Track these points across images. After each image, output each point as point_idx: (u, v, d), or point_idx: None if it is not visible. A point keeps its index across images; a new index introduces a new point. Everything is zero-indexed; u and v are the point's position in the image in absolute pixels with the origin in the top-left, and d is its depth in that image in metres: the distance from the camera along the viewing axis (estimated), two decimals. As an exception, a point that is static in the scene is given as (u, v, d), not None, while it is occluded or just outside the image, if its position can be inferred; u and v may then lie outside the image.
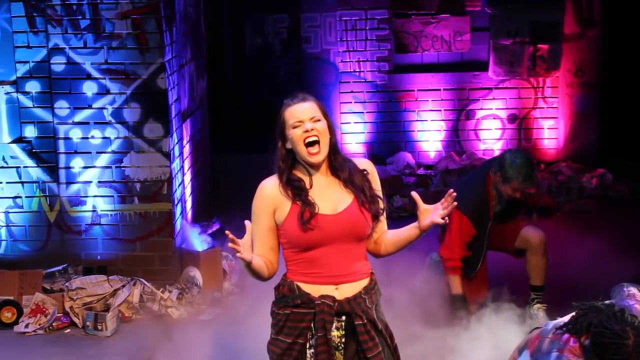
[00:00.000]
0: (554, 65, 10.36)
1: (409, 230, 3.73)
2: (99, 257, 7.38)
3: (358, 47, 10.43)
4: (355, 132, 10.57)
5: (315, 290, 3.57)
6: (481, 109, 10.54)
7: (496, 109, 10.52)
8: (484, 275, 6.50)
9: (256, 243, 3.63)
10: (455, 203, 3.62)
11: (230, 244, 3.46)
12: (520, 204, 6.43)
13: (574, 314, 3.92)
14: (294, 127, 3.60)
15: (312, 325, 3.55)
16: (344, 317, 3.57)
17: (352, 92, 10.51)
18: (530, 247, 6.43)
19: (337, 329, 3.57)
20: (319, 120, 3.61)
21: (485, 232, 6.31)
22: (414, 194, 3.68)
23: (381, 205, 3.71)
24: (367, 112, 10.57)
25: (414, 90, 10.54)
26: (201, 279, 7.34)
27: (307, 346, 3.56)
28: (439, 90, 10.52)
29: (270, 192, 3.63)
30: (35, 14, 7.12)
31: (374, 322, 3.61)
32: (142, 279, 7.21)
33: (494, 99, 10.51)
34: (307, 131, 3.58)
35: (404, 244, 3.76)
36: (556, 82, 10.52)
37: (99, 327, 6.66)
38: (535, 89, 10.55)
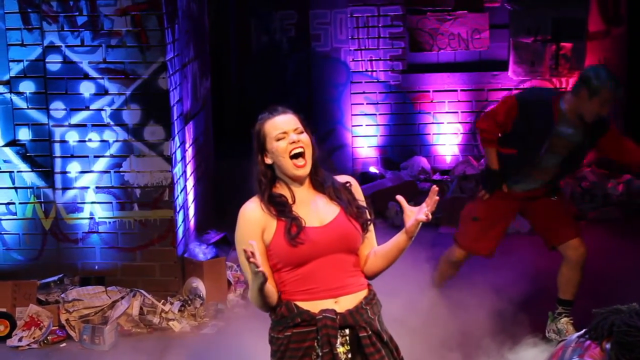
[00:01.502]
0: (578, 64, 10.32)
1: (396, 238, 3.73)
2: (96, 267, 7.39)
3: (370, 46, 10.44)
4: (367, 135, 10.56)
5: (314, 306, 3.57)
6: (500, 110, 10.51)
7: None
8: (501, 231, 6.56)
9: (249, 272, 3.55)
10: (438, 198, 3.61)
11: (251, 259, 3.38)
12: (594, 136, 6.29)
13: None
14: (278, 140, 3.61)
15: (315, 343, 3.54)
16: (347, 331, 3.56)
17: (364, 92, 10.51)
18: (569, 260, 6.39)
19: (342, 344, 3.56)
20: (302, 132, 3.63)
21: (536, 149, 6.27)
22: (399, 197, 3.69)
23: (368, 215, 3.72)
24: (379, 114, 10.55)
25: (429, 91, 10.53)
26: (204, 291, 7.35)
27: None
28: (456, 91, 10.51)
29: (254, 214, 3.62)
30: (29, 10, 7.13)
31: (378, 334, 3.62)
32: (142, 290, 7.22)
33: (514, 100, 10.49)
34: (292, 142, 3.59)
35: (394, 253, 3.74)
36: (580, 82, 10.48)
37: (97, 341, 6.68)
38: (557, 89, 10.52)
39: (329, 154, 10.47)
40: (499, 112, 6.30)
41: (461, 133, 10.52)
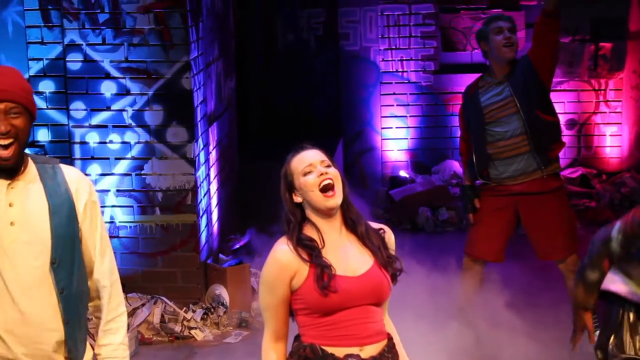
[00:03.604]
0: (618, 65, 10.30)
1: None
2: (116, 273, 7.41)
3: (401, 45, 10.45)
4: (397, 138, 10.56)
5: (339, 351, 3.55)
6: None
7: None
8: (492, 229, 6.43)
9: (270, 316, 3.59)
10: None
11: None
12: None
13: None
14: (305, 175, 3.58)
15: None
16: None
17: (394, 94, 10.52)
18: (569, 277, 6.28)
19: None
20: (329, 166, 3.61)
21: (479, 129, 6.38)
22: None
23: (398, 265, 3.68)
24: (410, 116, 10.56)
25: (462, 93, 10.49)
26: (228, 298, 7.37)
27: None
28: (490, 92, 10.49)
29: (286, 258, 3.57)
30: (49, 7, 7.18)
31: None
32: (163, 297, 7.26)
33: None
34: (321, 174, 3.56)
35: None
36: (620, 84, 10.45)
37: (116, 350, 6.69)
38: (596, 91, 10.49)
39: (358, 156, 10.48)
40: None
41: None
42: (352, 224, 3.65)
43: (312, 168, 3.59)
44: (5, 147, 3.49)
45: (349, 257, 3.60)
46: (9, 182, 3.55)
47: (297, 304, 3.59)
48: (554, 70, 6.43)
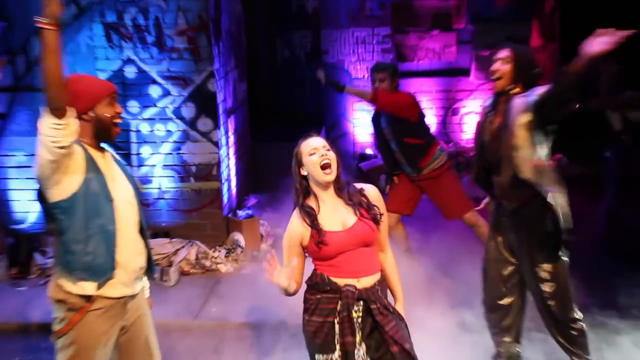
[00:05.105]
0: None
1: (393, 291, 3.78)
2: (163, 225, 7.45)
3: (367, 57, 10.42)
4: (364, 126, 10.57)
5: (340, 281, 3.58)
6: (464, 107, 10.53)
7: (476, 107, 10.50)
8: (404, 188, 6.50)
9: (286, 262, 3.61)
10: None
11: (266, 264, 3.46)
12: None
13: None
14: (310, 155, 3.59)
15: (337, 307, 3.54)
16: (361, 303, 3.56)
17: (362, 93, 10.51)
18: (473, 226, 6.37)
19: (356, 311, 3.55)
20: (329, 150, 3.62)
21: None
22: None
23: (377, 211, 3.67)
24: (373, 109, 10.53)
25: (411, 92, 10.51)
26: (243, 241, 7.39)
27: (335, 323, 3.56)
28: (431, 92, 10.50)
29: (298, 228, 3.61)
30: (111, 32, 7.16)
31: (385, 306, 3.62)
32: (197, 242, 7.28)
33: (474, 99, 10.49)
34: (322, 156, 3.58)
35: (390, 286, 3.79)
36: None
37: (165, 279, 6.74)
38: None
39: (335, 140, 10.49)
40: None
41: (436, 123, 10.53)
42: (340, 191, 3.66)
43: (315, 150, 3.60)
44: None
45: (340, 216, 3.61)
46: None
47: (308, 254, 3.64)
48: (413, 110, 6.39)
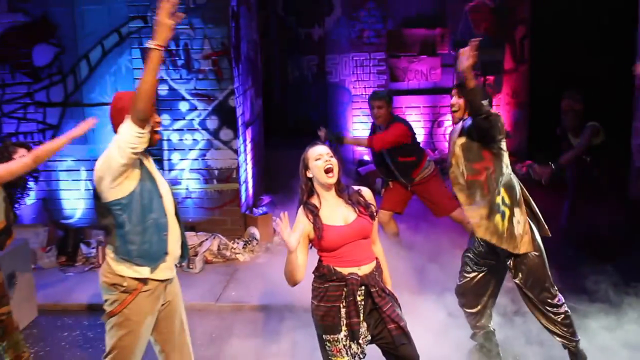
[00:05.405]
0: (497, 90, 10.29)
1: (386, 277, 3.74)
2: (190, 220, 7.43)
3: (364, 78, 10.41)
4: (362, 136, 10.54)
5: (344, 270, 3.56)
6: (448, 120, 10.51)
7: (458, 120, 10.48)
8: (397, 194, 6.42)
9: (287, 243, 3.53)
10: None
11: (276, 221, 3.38)
12: None
13: None
14: (316, 160, 3.58)
15: (343, 293, 3.53)
16: (363, 288, 3.55)
17: (360, 108, 10.49)
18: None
19: (359, 295, 3.54)
20: (332, 157, 3.61)
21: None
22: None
23: (373, 208, 3.65)
24: (370, 122, 10.50)
25: (402, 107, 10.51)
26: (259, 235, 7.39)
27: (340, 308, 3.54)
28: (419, 107, 10.49)
29: (303, 222, 3.59)
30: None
31: (383, 289, 3.61)
32: (219, 235, 7.28)
33: (456, 113, 10.47)
34: (326, 161, 3.57)
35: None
36: (499, 102, 10.45)
37: (191, 267, 6.73)
38: (485, 106, 10.46)
39: (337, 148, 10.48)
40: None
41: (423, 134, 10.51)
42: (340, 192, 3.65)
43: (320, 156, 3.58)
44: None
45: (342, 212, 3.60)
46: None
47: (315, 246, 3.61)
48: (406, 137, 6.29)
